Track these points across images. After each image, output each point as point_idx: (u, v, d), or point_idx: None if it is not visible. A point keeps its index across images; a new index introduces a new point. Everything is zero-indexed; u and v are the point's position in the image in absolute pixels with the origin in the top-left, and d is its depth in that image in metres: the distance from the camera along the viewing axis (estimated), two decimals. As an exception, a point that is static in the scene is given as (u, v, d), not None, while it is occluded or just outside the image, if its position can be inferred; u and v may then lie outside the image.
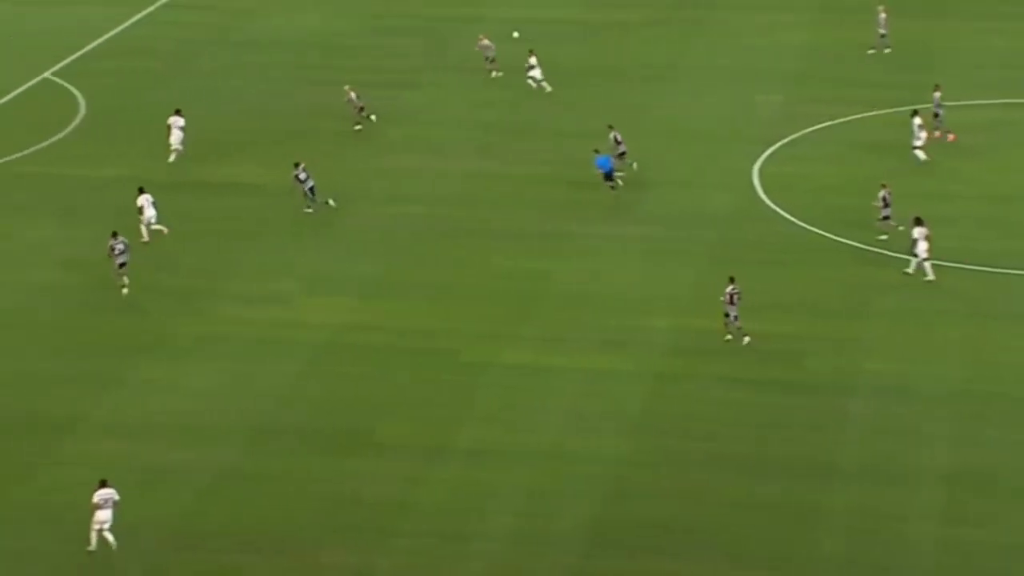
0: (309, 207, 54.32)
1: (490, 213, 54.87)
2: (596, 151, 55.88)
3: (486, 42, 67.64)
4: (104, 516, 36.60)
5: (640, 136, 60.87)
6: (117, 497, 36.97)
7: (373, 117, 61.80)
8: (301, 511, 38.51)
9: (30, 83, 66.73)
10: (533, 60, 65.65)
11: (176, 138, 58.81)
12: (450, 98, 65.05)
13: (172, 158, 58.70)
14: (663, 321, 46.61)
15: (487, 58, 67.33)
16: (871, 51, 69.54)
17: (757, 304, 46.95)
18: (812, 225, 53.06)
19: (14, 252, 51.93)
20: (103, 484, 37.00)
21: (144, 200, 52.44)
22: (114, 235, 49.27)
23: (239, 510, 38.55)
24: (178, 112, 59.51)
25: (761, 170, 57.99)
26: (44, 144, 60.37)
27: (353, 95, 61.98)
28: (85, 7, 76.93)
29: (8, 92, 65.45)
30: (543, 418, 42.42)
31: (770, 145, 59.99)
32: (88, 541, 36.86)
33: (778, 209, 54.61)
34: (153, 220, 52.09)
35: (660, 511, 38.44)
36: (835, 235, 52.14)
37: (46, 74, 67.39)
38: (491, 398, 43.46)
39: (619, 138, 57.09)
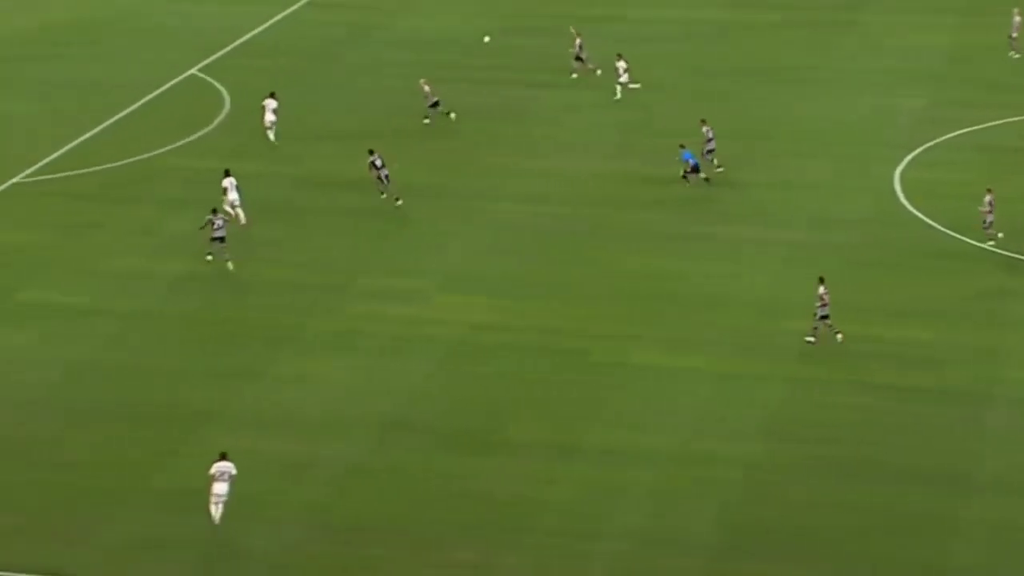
0: (383, 193, 54.90)
1: (625, 213, 54.79)
2: (682, 146, 56.03)
3: (579, 41, 67.35)
4: (221, 489, 37.57)
5: (779, 139, 60.54)
6: (234, 471, 37.82)
7: (452, 115, 62.25)
8: (431, 507, 38.79)
9: (178, 79, 67.95)
10: (622, 64, 65.29)
11: (269, 120, 60.29)
12: (587, 98, 65.03)
13: (272, 137, 60.18)
14: (797, 325, 46.18)
15: (577, 57, 66.93)
16: (1015, 55, 68.30)
17: (895, 309, 46.34)
18: (953, 231, 52.28)
19: (158, 244, 52.87)
20: (223, 457, 37.93)
21: (228, 183, 53.55)
22: (213, 211, 50.97)
23: (370, 505, 38.93)
24: (272, 95, 60.92)
25: (902, 174, 57.25)
26: (189, 139, 61.44)
27: (427, 88, 62.45)
28: (232, 6, 78.16)
29: (157, 87, 66.68)
30: (673, 420, 42.29)
31: (912, 150, 59.21)
32: (210, 516, 37.81)
33: (919, 214, 53.88)
34: (236, 203, 53.08)
35: (790, 517, 38.12)
36: (976, 241, 51.31)
37: (193, 70, 68.58)
38: (621, 398, 43.41)
39: (711, 134, 56.95)
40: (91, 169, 58.35)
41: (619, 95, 64.88)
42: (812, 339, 45.50)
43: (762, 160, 59.05)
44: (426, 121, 62.28)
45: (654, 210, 55.02)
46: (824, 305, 45.21)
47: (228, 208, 52.96)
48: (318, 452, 41.01)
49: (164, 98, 66.00)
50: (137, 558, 36.81)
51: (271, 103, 60.89)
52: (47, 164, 58.88)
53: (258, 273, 50.69)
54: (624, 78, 65.19)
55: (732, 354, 45.38)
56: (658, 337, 46.38)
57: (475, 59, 71.20)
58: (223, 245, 50.65)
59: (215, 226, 50.51)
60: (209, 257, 50.81)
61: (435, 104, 62.53)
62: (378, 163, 55.01)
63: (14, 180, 57.34)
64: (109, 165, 58.56)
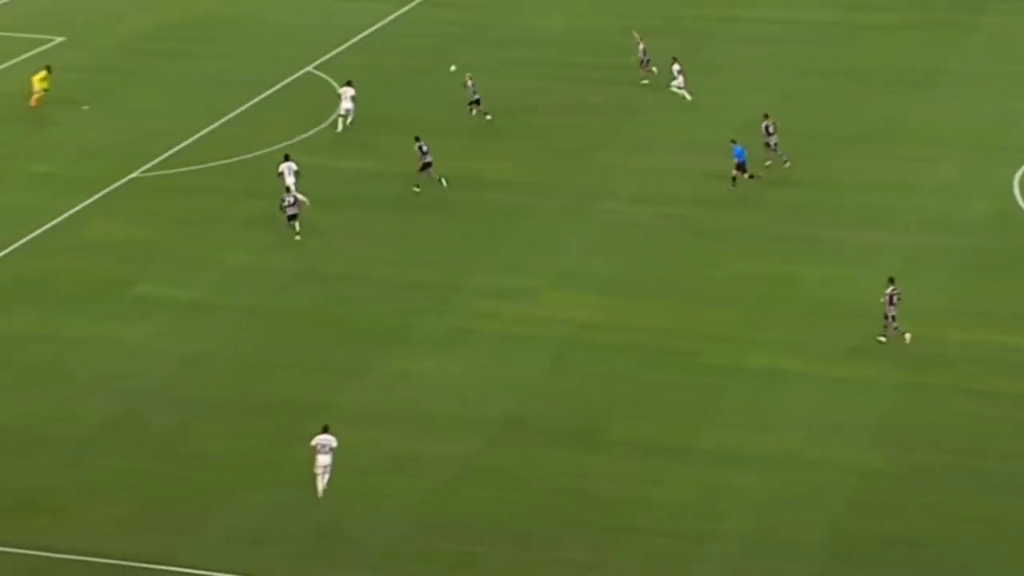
0: (418, 186, 55.93)
1: (739, 214, 54.46)
2: (733, 141, 55.75)
3: (642, 45, 67.00)
4: (324, 461, 38.51)
5: (897, 141, 59.91)
6: (335, 443, 38.64)
7: (488, 117, 62.24)
8: (539, 505, 38.81)
9: (294, 76, 68.54)
10: (676, 68, 64.84)
11: (345, 108, 61.28)
12: (701, 98, 64.70)
13: (339, 128, 61.19)
14: (912, 330, 45.57)
15: (642, 61, 66.65)
16: None
17: (1011, 315, 45.57)
18: (1072, 236, 51.44)
19: (271, 240, 53.24)
20: (324, 430, 38.69)
21: (285, 168, 54.35)
22: (287, 190, 52.78)
23: (479, 501, 39.02)
24: (349, 83, 61.95)
25: (1022, 179, 56.35)
26: (304, 136, 61.96)
27: (470, 83, 62.75)
28: (349, 3, 78.69)
29: (274, 84, 67.30)
30: (784, 423, 41.95)
31: (1032, 153, 58.40)
32: (315, 489, 38.43)
33: (1037, 219, 53.09)
34: (292, 189, 53.82)
35: (902, 525, 37.67)
36: (1097, 247, 50.48)
37: (309, 68, 69.14)
38: (732, 400, 43.14)
39: (771, 129, 56.66)
40: (208, 165, 59.05)
41: (688, 97, 64.52)
42: (883, 339, 45.06)
43: (879, 162, 58.41)
44: (480, 114, 62.52)
45: (766, 211, 54.63)
46: (891, 305, 44.77)
47: (285, 193, 53.96)
48: (428, 448, 41.19)
49: (280, 95, 66.60)
50: (248, 550, 37.19)
51: (348, 91, 61.83)
52: (165, 159, 59.66)
53: (370, 270, 51.01)
54: (678, 81, 64.71)
55: (846, 358, 44.92)
56: (771, 340, 46.03)
57: (587, 58, 71.10)
58: (294, 222, 52.26)
59: (285, 203, 52.64)
60: (297, 238, 52.17)
61: (476, 101, 62.89)
62: (424, 148, 55.99)
63: (133, 175, 58.17)
64: (225, 161, 59.22)
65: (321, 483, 38.71)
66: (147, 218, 54.88)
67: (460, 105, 63.51)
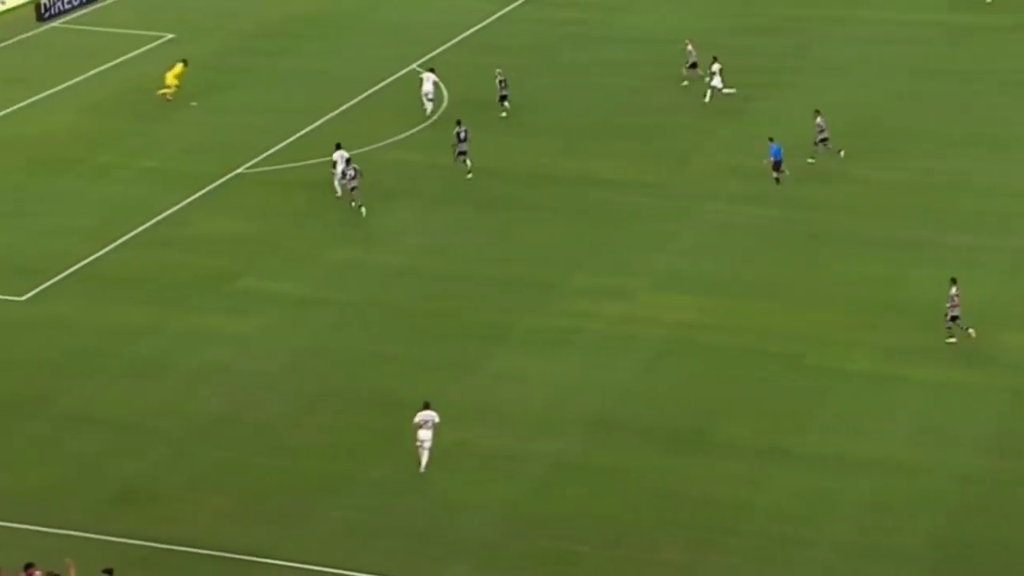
0: (465, 164, 57.38)
1: (846, 217, 54.03)
2: (771, 139, 56.33)
3: (690, 48, 66.67)
4: (424, 436, 39.64)
5: (1009, 145, 59.13)
6: (437, 419, 39.68)
7: (503, 113, 62.66)
8: (637, 505, 38.76)
9: (399, 74, 68.91)
10: (716, 67, 64.56)
11: (426, 89, 63.48)
12: (810, 99, 64.21)
13: (427, 110, 63.08)
14: (1021, 336, 44.97)
15: (692, 65, 66.38)
16: None
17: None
18: None
19: (376, 236, 53.74)
20: (426, 406, 39.89)
21: (338, 156, 55.60)
22: (347, 162, 54.79)
23: (577, 501, 39.04)
24: (431, 70, 63.78)
25: None
26: (408, 133, 62.29)
27: (500, 80, 63.84)
28: (455, 1, 78.98)
29: (380, 82, 67.70)
30: (889, 429, 41.56)
31: None
32: (418, 463, 39.46)
33: None
34: (339, 177, 55.31)
35: (1006, 533, 37.19)
36: None
37: (414, 65, 69.48)
38: (835, 404, 42.81)
39: (823, 125, 57.00)
40: (313, 161, 59.52)
41: (708, 98, 64.43)
42: (953, 340, 44.90)
43: (992, 166, 57.69)
44: (503, 115, 62.90)
45: (873, 214, 54.13)
46: (955, 306, 44.60)
47: (337, 182, 55.75)
48: (528, 447, 41.27)
49: (385, 92, 66.98)
50: (352, 544, 37.47)
51: (430, 76, 63.65)
52: (271, 155, 60.23)
53: (473, 268, 51.20)
54: (716, 81, 64.53)
55: (952, 364, 44.43)
56: (875, 344, 45.62)
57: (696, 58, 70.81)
58: (356, 192, 54.25)
59: (347, 176, 54.52)
60: (363, 210, 54.06)
61: (503, 98, 63.68)
62: (463, 134, 57.40)
63: (238, 170, 58.78)
64: (329, 158, 59.70)
65: (424, 457, 39.62)
66: (253, 213, 55.45)
67: (563, 104, 63.61)
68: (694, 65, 66.52)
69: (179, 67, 65.63)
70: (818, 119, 57.94)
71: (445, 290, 49.80)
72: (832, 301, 48.12)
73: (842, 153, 57.36)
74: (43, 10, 76.39)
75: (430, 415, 39.81)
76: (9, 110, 64.86)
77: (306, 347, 46.42)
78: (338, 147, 56.41)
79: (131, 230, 53.83)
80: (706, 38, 72.92)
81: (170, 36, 74.26)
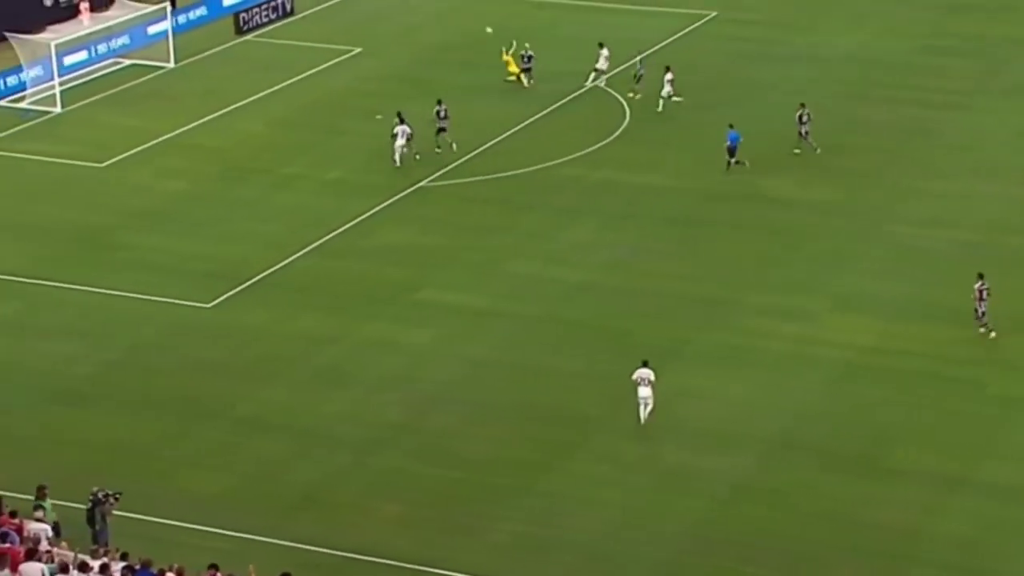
0: (437, 147, 60.73)
1: (1032, 242, 52.92)
2: (730, 126, 58.10)
3: (639, 60, 68.02)
4: (643, 392, 42.07)
5: None
6: (653, 377, 42.08)
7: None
8: (813, 528, 38.35)
9: (581, 90, 69.05)
10: (669, 76, 65.38)
11: (599, 66, 67.53)
12: (1000, 122, 63.03)
13: (589, 81, 67.32)
14: None
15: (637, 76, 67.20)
16: None
17: None
18: None
19: (556, 252, 53.92)
20: (644, 364, 42.27)
21: (400, 130, 59.39)
22: (400, 120, 59.64)
23: (751, 521, 38.75)
24: (601, 44, 68.43)
25: None
26: (589, 149, 62.42)
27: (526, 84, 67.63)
28: (639, 18, 78.99)
29: (563, 97, 67.93)
30: (1075, 459, 40.54)
31: None
32: (637, 418, 41.83)
33: None
34: (402, 149, 59.43)
35: None
36: None
37: (597, 82, 69.52)
38: (1017, 433, 41.93)
39: (804, 118, 58.16)
40: (495, 175, 59.97)
41: (660, 107, 65.39)
42: (991, 333, 45.56)
43: None
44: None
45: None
46: (981, 300, 45.07)
47: (395, 154, 59.56)
48: (702, 465, 41.08)
49: (568, 108, 67.18)
50: (519, 558, 37.63)
51: (604, 51, 67.66)
52: (452, 169, 60.79)
53: (652, 284, 51.12)
54: (667, 90, 65.46)
55: None
56: (1063, 373, 44.57)
57: (878, 77, 70.04)
58: (407, 152, 59.41)
59: (401, 135, 59.29)
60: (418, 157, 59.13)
61: (527, 68, 67.41)
62: (442, 113, 60.52)
63: (420, 184, 59.44)
64: (512, 172, 60.11)
65: (643, 413, 41.98)
66: (433, 225, 56.03)
67: (744, 121, 63.17)
68: (639, 78, 67.58)
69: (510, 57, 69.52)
70: (799, 112, 59.72)
71: (623, 306, 49.78)
72: (1018, 328, 47.03)
73: (818, 150, 58.84)
74: (241, 23, 78.42)
75: (647, 373, 42.07)
76: (203, 120, 66.45)
77: (483, 359, 46.76)
78: (401, 121, 59.73)
79: (315, 240, 54.75)
80: (891, 58, 72.17)
81: (358, 50, 75.43)
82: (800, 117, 59.94)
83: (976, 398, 43.71)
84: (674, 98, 65.74)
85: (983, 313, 45.66)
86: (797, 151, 59.91)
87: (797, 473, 40.61)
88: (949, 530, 38.11)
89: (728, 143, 58.54)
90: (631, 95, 67.15)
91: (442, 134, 61.15)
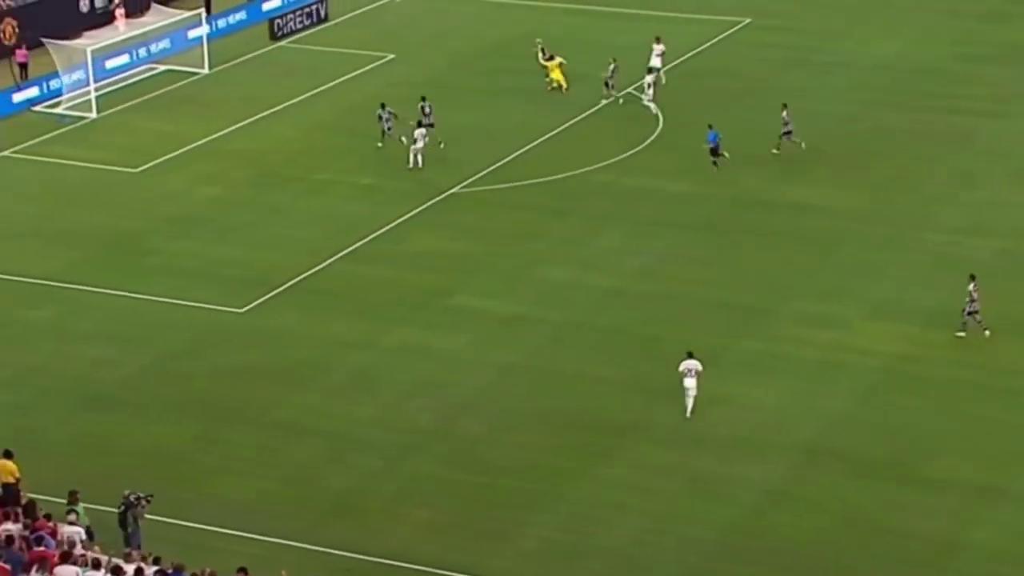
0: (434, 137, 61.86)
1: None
2: (710, 126, 59.39)
3: (612, 66, 67.87)
4: (689, 383, 42.93)
5: None
6: (700, 368, 42.90)
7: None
8: (846, 537, 38.18)
9: (614, 97, 68.89)
10: (650, 79, 67.03)
11: (653, 63, 67.98)
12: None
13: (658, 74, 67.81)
14: None
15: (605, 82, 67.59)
16: None
17: None
18: None
19: (588, 258, 53.84)
20: (689, 355, 43.04)
21: (418, 134, 60.43)
22: (382, 106, 62.00)
23: (783, 529, 38.61)
24: (658, 39, 68.91)
25: None
26: (621, 156, 62.33)
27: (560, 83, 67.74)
28: (673, 25, 78.84)
29: (594, 104, 67.81)
30: (1113, 470, 40.24)
31: None
32: (684, 409, 42.82)
33: None
34: (419, 150, 60.27)
35: None
36: None
37: (629, 89, 69.46)
38: (1054, 442, 41.65)
39: (787, 118, 59.16)
40: (526, 182, 59.94)
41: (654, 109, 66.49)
42: (962, 333, 45.91)
43: None
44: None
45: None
46: (973, 301, 45.32)
47: (412, 155, 60.40)
48: (735, 472, 40.95)
49: (600, 115, 67.11)
50: (549, 564, 37.56)
51: (658, 47, 68.55)
52: (484, 175, 60.79)
53: (685, 291, 51.01)
54: (649, 93, 66.90)
55: None
56: (1099, 381, 44.29)
57: (915, 85, 69.83)
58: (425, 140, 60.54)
59: (382, 119, 61.88)
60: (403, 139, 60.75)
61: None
62: (427, 109, 62.40)
63: (452, 190, 59.46)
64: (544, 179, 60.07)
65: (689, 404, 42.80)
66: (466, 232, 56.03)
67: (777, 128, 63.03)
68: (608, 84, 67.89)
69: (556, 66, 69.36)
70: (783, 113, 60.28)
71: (656, 313, 49.67)
72: (1054, 336, 46.85)
73: (803, 145, 59.87)
74: (276, 29, 78.67)
75: (694, 364, 42.84)
76: (237, 125, 66.64)
77: (514, 365, 46.72)
78: (419, 124, 60.97)
79: (347, 246, 54.81)
80: (925, 65, 71.92)
81: (391, 56, 75.54)
82: (784, 117, 60.89)
83: (1011, 407, 43.44)
84: (614, 94, 67.24)
85: (971, 313, 46.22)
86: (776, 151, 60.87)
87: (829, 481, 40.44)
88: (983, 540, 37.87)
89: (708, 143, 59.62)
90: (604, 101, 67.39)
91: (430, 130, 61.92)
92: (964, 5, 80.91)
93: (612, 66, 67.85)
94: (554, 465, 41.47)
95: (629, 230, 55.76)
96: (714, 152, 59.66)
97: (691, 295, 50.66)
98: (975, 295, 46.22)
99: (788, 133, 60.69)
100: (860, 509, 39.22)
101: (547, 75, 69.32)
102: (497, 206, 58.20)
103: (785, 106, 60.84)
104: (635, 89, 68.99)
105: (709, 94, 68.42)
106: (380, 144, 62.49)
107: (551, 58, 69.69)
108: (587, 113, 67.08)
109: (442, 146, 61.91)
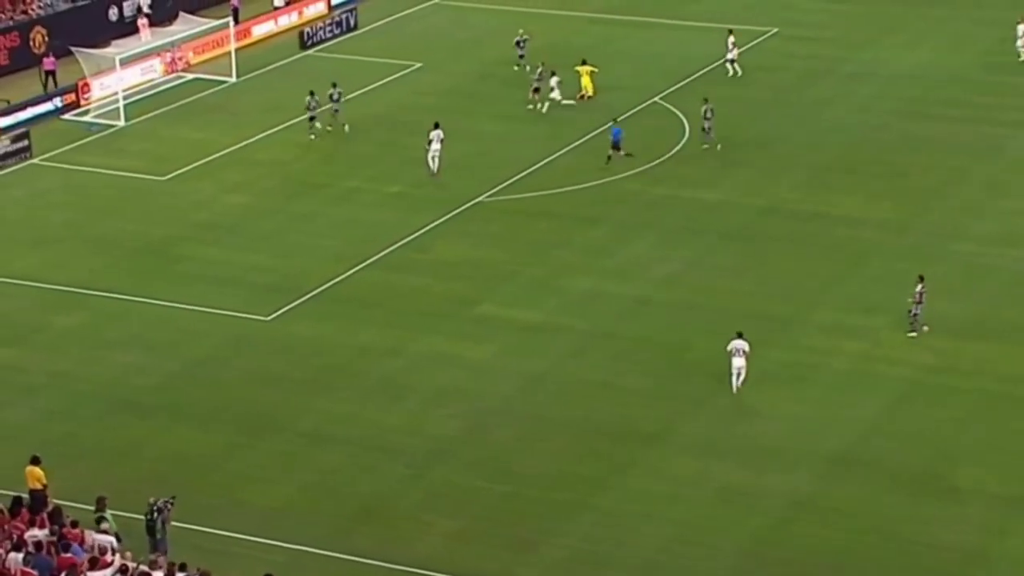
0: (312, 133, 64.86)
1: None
2: (614, 120, 61.55)
3: (540, 70, 68.63)
4: (737, 363, 43.91)
5: None
6: (747, 348, 43.95)
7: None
8: (873, 548, 38.02)
9: (641, 105, 68.97)
10: (555, 80, 67.60)
11: (729, 56, 70.41)
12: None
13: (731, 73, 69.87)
14: None
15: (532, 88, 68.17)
16: None
17: None
18: None
19: (615, 267, 53.79)
20: (739, 336, 44.12)
21: (435, 135, 60.43)
22: (311, 94, 64.93)
23: (810, 539, 38.47)
24: (730, 30, 71.41)
25: None
26: (648, 165, 62.28)
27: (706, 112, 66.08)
28: (699, 33, 78.77)
29: (622, 113, 67.75)
30: None
31: None
32: (730, 386, 43.58)
33: None
34: (436, 154, 60.56)
35: None
36: None
37: (656, 98, 69.46)
38: (1084, 454, 41.41)
39: (708, 114, 60.84)
40: (552, 191, 59.92)
41: (545, 109, 67.44)
42: (914, 334, 47.30)
43: None
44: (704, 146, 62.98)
45: None
46: (918, 303, 46.90)
47: (429, 159, 60.55)
48: (761, 482, 40.83)
49: (627, 124, 67.00)
50: (576, 573, 37.46)
51: (731, 38, 70.89)
52: (510, 184, 60.79)
53: (712, 300, 50.90)
54: (556, 94, 67.57)
55: None
56: None
57: (944, 94, 69.64)
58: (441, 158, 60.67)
59: (310, 107, 64.77)
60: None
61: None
62: (335, 96, 64.97)
63: (479, 199, 59.46)
64: (570, 188, 60.04)
65: (735, 382, 43.84)
66: (492, 240, 56.02)
67: (804, 139, 62.98)
68: (536, 89, 68.21)
69: (587, 72, 69.39)
70: (704, 106, 62.18)
71: (683, 321, 49.59)
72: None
73: (719, 147, 61.41)
74: (305, 38, 78.92)
75: (742, 344, 43.94)
76: (265, 134, 66.80)
77: (541, 374, 46.68)
78: (436, 126, 60.87)
79: (374, 254, 54.85)
80: (954, 75, 71.73)
81: (418, 65, 75.63)
82: (704, 113, 61.95)
83: (1040, 418, 43.29)
84: (564, 101, 67.80)
85: (916, 314, 46.99)
86: (705, 146, 61.96)
87: (857, 491, 40.28)
88: (1012, 551, 37.68)
89: (612, 138, 61.23)
90: (530, 107, 67.86)
91: (337, 115, 65.04)
92: (992, 14, 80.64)
93: (540, 69, 69.03)
94: (580, 474, 41.41)
95: (656, 239, 55.69)
96: (615, 147, 60.80)
97: (718, 304, 50.56)
98: (920, 297, 47.09)
99: (708, 129, 62.00)
100: (888, 520, 39.06)
101: (578, 85, 69.34)
102: (523, 215, 58.19)
103: (706, 100, 62.19)
104: (662, 98, 68.96)
105: (736, 103, 68.24)
106: (328, 127, 65.41)
107: (583, 63, 69.71)
108: (611, 123, 66.94)
109: (346, 129, 64.94)
